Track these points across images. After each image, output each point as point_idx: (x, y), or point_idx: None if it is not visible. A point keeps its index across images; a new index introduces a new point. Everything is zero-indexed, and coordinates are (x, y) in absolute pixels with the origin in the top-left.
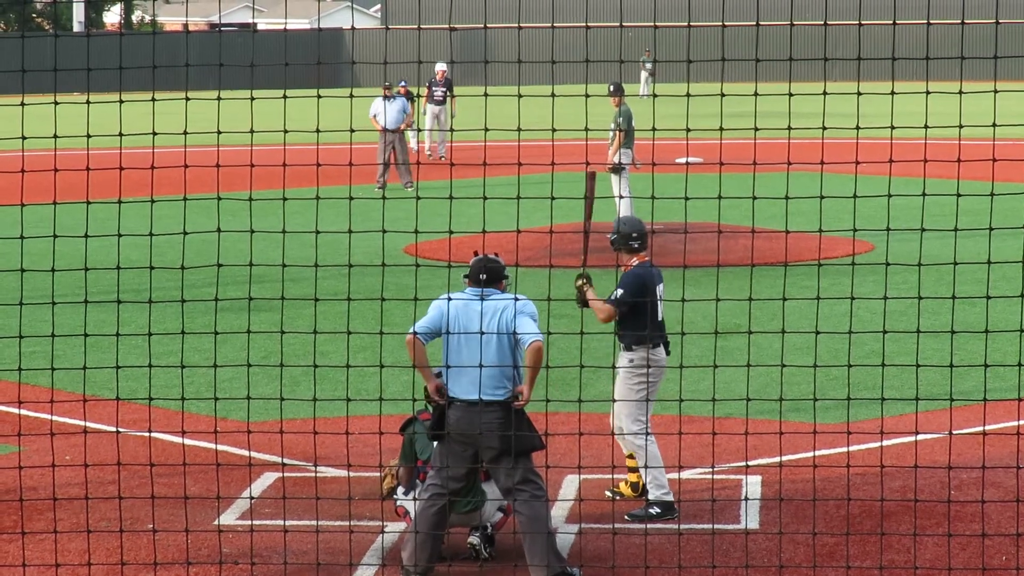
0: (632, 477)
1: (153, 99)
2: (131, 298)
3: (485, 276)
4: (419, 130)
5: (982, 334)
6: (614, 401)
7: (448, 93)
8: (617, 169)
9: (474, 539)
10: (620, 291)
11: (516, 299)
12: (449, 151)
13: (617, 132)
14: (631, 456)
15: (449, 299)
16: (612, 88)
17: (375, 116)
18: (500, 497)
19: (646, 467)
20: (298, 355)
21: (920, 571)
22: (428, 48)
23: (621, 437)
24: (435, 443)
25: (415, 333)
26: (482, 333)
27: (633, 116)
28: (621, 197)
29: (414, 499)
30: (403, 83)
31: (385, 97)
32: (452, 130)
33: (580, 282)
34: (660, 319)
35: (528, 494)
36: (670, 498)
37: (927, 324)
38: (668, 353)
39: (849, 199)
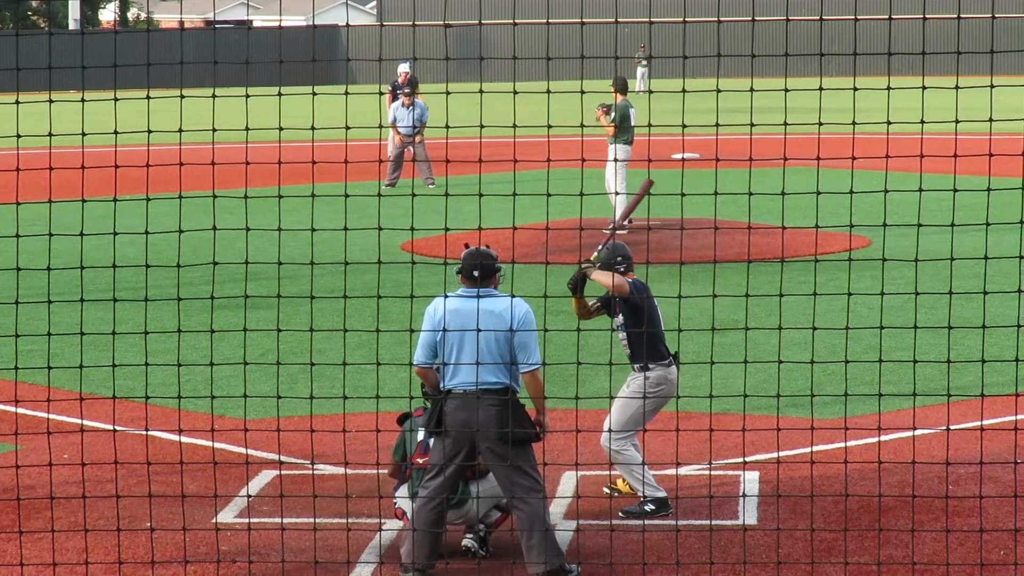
0: None
1: (148, 97)
2: (127, 296)
3: (479, 273)
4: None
5: (979, 329)
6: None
7: (413, 94)
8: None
9: (467, 542)
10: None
11: (513, 298)
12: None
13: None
14: None
15: (446, 297)
16: (613, 81)
17: (394, 122)
18: (495, 495)
19: (642, 482)
20: (295, 353)
21: (918, 566)
22: (424, 45)
23: (605, 448)
24: (431, 440)
25: (420, 365)
26: (479, 330)
27: (631, 115)
28: (617, 194)
29: (413, 496)
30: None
31: (404, 105)
32: (448, 126)
33: (586, 265)
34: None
35: (526, 490)
36: (662, 494)
37: (924, 319)
38: (678, 367)
39: (846, 194)
